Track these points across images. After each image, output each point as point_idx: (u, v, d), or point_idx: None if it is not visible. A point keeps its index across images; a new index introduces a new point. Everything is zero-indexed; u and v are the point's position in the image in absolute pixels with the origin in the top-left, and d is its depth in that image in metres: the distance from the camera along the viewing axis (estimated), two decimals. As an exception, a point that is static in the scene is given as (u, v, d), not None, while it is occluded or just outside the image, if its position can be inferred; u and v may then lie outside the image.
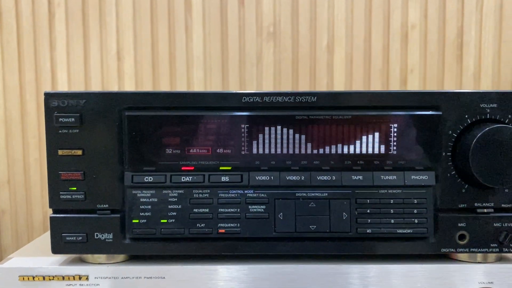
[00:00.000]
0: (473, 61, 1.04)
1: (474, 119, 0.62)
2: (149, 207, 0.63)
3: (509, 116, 0.62)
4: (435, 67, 1.04)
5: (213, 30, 1.03)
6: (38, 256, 0.67)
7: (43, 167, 1.03)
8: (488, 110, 0.62)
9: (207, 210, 0.63)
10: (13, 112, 1.03)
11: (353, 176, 0.63)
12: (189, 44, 1.03)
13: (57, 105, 0.61)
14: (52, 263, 0.64)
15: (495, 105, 0.62)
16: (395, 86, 1.03)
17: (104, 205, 0.62)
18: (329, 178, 0.63)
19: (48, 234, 0.64)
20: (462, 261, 0.65)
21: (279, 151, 0.63)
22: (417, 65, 1.04)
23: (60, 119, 0.61)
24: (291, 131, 0.62)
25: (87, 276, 0.62)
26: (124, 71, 1.04)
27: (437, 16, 1.03)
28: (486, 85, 1.03)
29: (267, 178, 0.63)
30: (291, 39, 1.03)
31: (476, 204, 0.63)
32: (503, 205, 0.63)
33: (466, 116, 0.62)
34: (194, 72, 1.03)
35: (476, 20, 1.03)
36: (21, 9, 1.02)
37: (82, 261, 0.65)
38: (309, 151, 0.63)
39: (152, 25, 1.03)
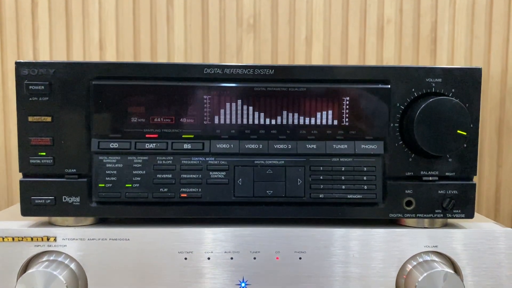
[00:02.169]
0: (446, 55, 1.06)
1: (420, 93, 0.65)
2: (115, 172, 0.65)
3: (453, 90, 0.65)
4: (410, 60, 1.06)
5: (194, 21, 1.05)
6: (9, 220, 0.70)
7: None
8: (434, 84, 0.65)
9: (170, 175, 0.66)
10: (-5, 99, 1.04)
11: (307, 145, 0.66)
12: (171, 35, 1.05)
13: (27, 74, 0.64)
14: (21, 225, 0.67)
15: (439, 80, 0.65)
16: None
17: (72, 170, 0.65)
18: (285, 146, 0.66)
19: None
20: (411, 226, 0.68)
21: (239, 121, 0.66)
22: (392, 58, 1.06)
23: (30, 87, 0.64)
24: (250, 102, 0.66)
25: (55, 237, 0.65)
26: (106, 60, 1.05)
27: (412, 11, 1.06)
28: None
29: (227, 146, 0.66)
30: (271, 32, 1.06)
31: (422, 172, 0.66)
32: (447, 173, 0.66)
33: (413, 90, 0.65)
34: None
35: (449, 16, 1.06)
36: (4, -3, 1.04)
37: (52, 224, 0.68)
38: (267, 121, 0.66)
39: (134, 15, 1.05)
